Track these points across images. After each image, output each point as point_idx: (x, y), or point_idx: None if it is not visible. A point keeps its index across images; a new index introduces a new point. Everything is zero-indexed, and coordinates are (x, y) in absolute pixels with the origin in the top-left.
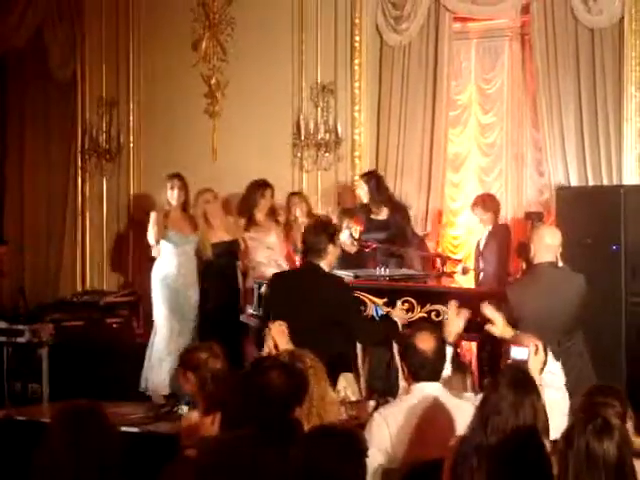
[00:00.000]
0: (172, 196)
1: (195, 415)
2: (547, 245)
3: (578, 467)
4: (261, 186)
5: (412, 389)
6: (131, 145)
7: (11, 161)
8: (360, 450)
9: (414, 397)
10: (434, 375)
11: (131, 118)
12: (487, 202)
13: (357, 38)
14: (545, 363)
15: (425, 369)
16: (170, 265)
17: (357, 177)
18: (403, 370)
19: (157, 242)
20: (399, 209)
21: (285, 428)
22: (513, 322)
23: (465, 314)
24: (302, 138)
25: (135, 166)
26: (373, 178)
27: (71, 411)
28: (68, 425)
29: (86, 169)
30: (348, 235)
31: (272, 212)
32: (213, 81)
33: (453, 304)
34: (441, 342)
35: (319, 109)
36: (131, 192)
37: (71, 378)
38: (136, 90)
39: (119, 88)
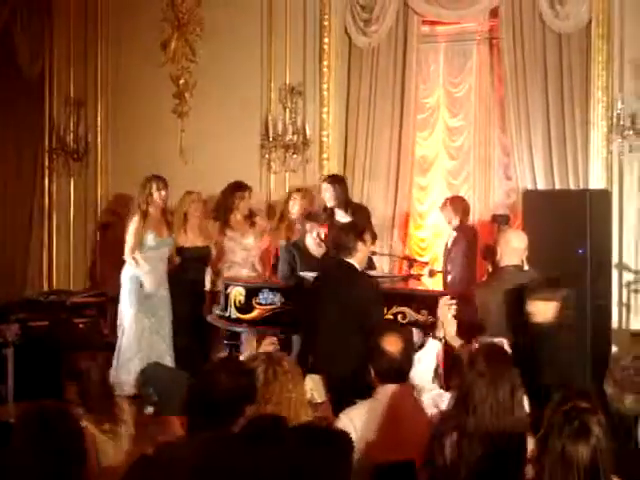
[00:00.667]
0: (160, 197)
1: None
2: (513, 248)
3: (553, 469)
4: (240, 188)
5: (378, 390)
6: (99, 145)
7: None
8: (348, 449)
9: (380, 398)
10: (400, 376)
11: (99, 118)
12: (456, 204)
13: (326, 40)
14: None
15: (391, 371)
16: (143, 264)
17: (324, 178)
18: (370, 371)
19: (133, 251)
20: (361, 211)
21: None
22: (479, 323)
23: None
24: (270, 139)
25: (103, 166)
26: (340, 181)
27: (36, 412)
28: (33, 426)
29: (53, 169)
30: (314, 237)
31: (250, 214)
32: (182, 81)
33: (446, 301)
34: (408, 344)
35: (287, 110)
36: (99, 192)
37: (37, 378)
38: (104, 89)
39: (87, 87)
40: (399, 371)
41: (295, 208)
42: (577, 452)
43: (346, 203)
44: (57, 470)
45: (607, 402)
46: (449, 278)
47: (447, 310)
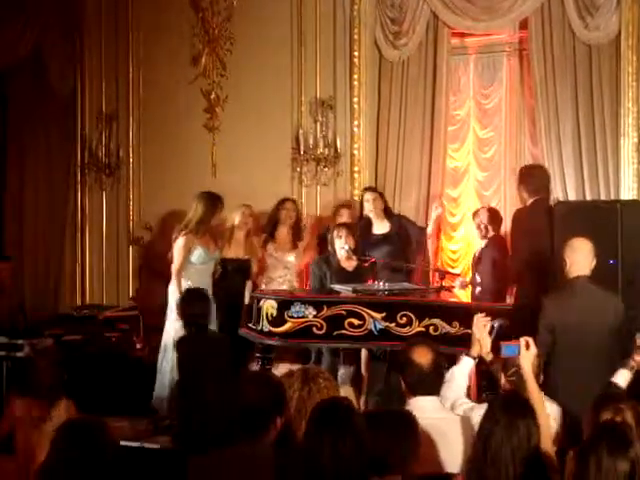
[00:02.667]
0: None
1: None
2: (583, 257)
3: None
4: (283, 200)
5: (409, 403)
6: (130, 160)
7: (11, 176)
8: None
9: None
10: (431, 389)
11: (130, 133)
12: (494, 213)
13: (356, 53)
14: (539, 359)
15: (422, 383)
16: (193, 278)
17: (365, 189)
18: (401, 384)
19: (179, 271)
20: (398, 217)
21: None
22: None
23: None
24: (301, 153)
25: (134, 180)
26: (379, 191)
27: (73, 426)
28: (70, 440)
29: (85, 183)
30: (345, 251)
31: (297, 230)
32: (212, 96)
33: (481, 319)
34: (438, 356)
35: (318, 124)
36: (131, 206)
37: (70, 392)
38: (135, 105)
39: (119, 103)
40: (430, 384)
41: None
42: (616, 466)
43: (387, 214)
44: None
45: None
46: (477, 289)
47: (483, 327)
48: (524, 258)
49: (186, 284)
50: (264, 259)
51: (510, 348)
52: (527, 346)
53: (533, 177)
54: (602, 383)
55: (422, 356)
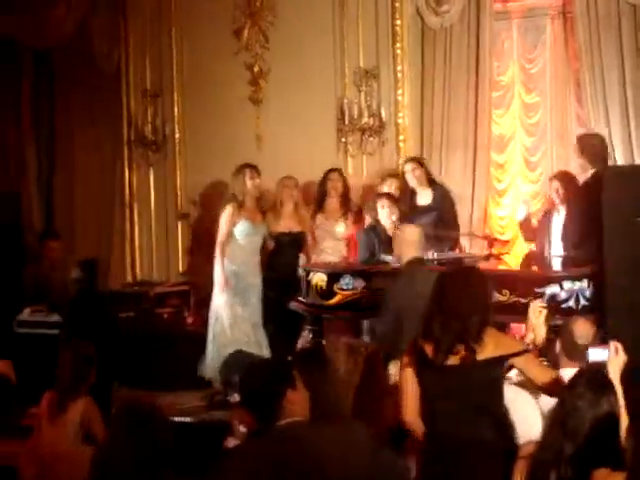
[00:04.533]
0: (254, 185)
1: None
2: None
3: None
4: (327, 172)
5: None
6: (176, 135)
7: (60, 154)
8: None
9: None
10: None
11: (175, 109)
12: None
13: (398, 22)
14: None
15: None
16: (237, 253)
17: (406, 159)
18: None
19: (222, 243)
20: (444, 193)
21: None
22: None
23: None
24: (346, 123)
25: (181, 156)
26: (422, 162)
27: (130, 410)
28: (128, 423)
29: (133, 160)
30: (392, 221)
31: (345, 200)
32: (256, 69)
33: (537, 306)
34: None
35: (362, 94)
36: (178, 182)
37: (123, 369)
38: (179, 80)
39: (163, 79)
40: None
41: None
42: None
43: (431, 185)
44: (147, 464)
45: None
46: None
47: (538, 314)
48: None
49: (230, 266)
50: (313, 231)
51: (598, 352)
52: (616, 351)
53: (596, 146)
54: None
55: None
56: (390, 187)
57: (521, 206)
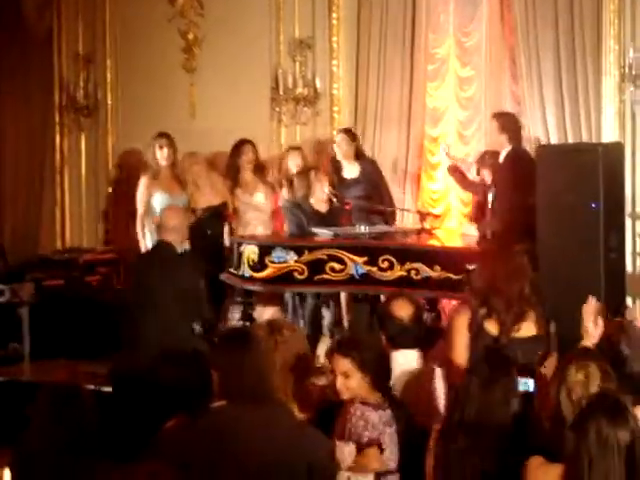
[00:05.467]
0: (162, 156)
1: None
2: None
3: (592, 455)
4: (238, 145)
5: (391, 357)
6: (109, 101)
7: None
8: None
9: (400, 364)
10: (412, 343)
11: (108, 74)
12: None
13: None
14: None
15: (403, 337)
16: None
17: (337, 131)
18: (381, 337)
19: (142, 216)
20: (371, 164)
21: None
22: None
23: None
24: (280, 93)
25: (113, 122)
26: (354, 134)
27: (52, 393)
28: (51, 407)
29: (64, 125)
30: (325, 192)
31: (259, 169)
32: (190, 36)
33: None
34: (419, 309)
35: (297, 63)
36: (109, 148)
37: (52, 337)
38: (113, 45)
39: (95, 43)
40: (410, 337)
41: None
42: (617, 436)
43: (359, 156)
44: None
45: (624, 363)
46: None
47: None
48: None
49: (150, 237)
50: (235, 205)
51: None
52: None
53: (515, 124)
54: None
55: (402, 309)
56: (294, 160)
57: (441, 150)
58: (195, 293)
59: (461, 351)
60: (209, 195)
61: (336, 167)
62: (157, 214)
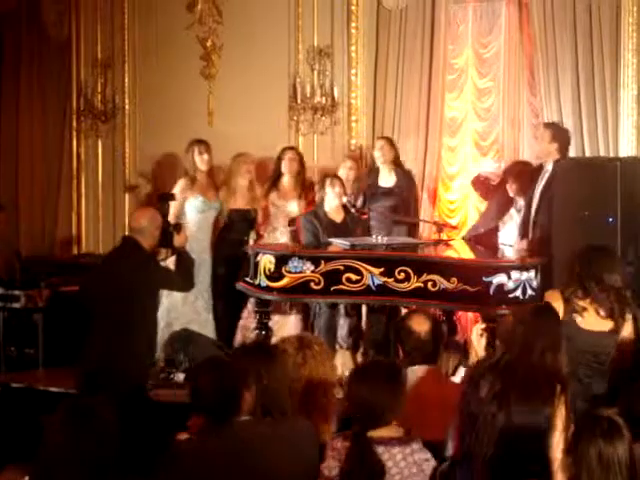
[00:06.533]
0: (202, 161)
1: None
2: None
3: (592, 472)
4: (283, 150)
5: (407, 372)
6: (126, 107)
7: (5, 122)
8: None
9: (409, 380)
10: (429, 358)
11: (126, 79)
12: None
13: (354, 1)
14: None
15: (419, 352)
16: (188, 229)
17: (377, 138)
18: (399, 353)
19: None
20: (408, 175)
21: None
22: None
23: None
24: (298, 101)
25: (130, 128)
26: (393, 142)
27: (72, 408)
28: (68, 423)
29: (81, 130)
30: (338, 203)
31: (300, 179)
32: (209, 43)
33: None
34: (436, 325)
35: (315, 72)
36: (126, 154)
37: (67, 343)
38: (131, 51)
39: (114, 49)
40: (427, 352)
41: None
42: (615, 452)
43: (397, 166)
44: (90, 461)
45: None
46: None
47: (479, 337)
48: None
49: None
50: (267, 208)
51: None
52: None
53: (566, 135)
54: None
55: (419, 325)
56: (345, 167)
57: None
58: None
59: None
60: (240, 198)
61: (373, 174)
62: (190, 217)
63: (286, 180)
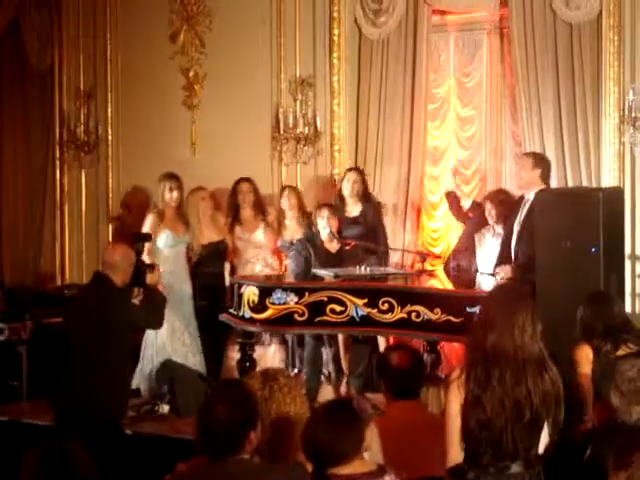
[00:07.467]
0: (172, 198)
1: None
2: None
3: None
4: (239, 182)
5: (390, 406)
6: (109, 137)
7: None
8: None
9: (391, 414)
10: (411, 392)
11: (109, 110)
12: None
13: (336, 31)
14: None
15: (401, 386)
16: (163, 264)
17: (348, 169)
18: (381, 387)
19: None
20: (374, 205)
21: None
22: None
23: None
24: (281, 131)
25: (114, 158)
26: (362, 172)
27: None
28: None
29: (64, 161)
30: (328, 232)
31: (259, 207)
32: (191, 73)
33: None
34: (418, 360)
35: (298, 102)
36: (110, 184)
37: (51, 375)
38: (114, 82)
39: (97, 79)
40: (409, 386)
41: (286, 204)
42: None
43: (364, 196)
44: None
45: (614, 414)
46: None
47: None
48: None
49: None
50: (235, 243)
51: None
52: None
53: (547, 161)
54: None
55: (401, 360)
56: (288, 199)
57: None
58: (126, 325)
59: None
60: (208, 232)
61: (341, 205)
62: (163, 253)
63: (246, 213)
